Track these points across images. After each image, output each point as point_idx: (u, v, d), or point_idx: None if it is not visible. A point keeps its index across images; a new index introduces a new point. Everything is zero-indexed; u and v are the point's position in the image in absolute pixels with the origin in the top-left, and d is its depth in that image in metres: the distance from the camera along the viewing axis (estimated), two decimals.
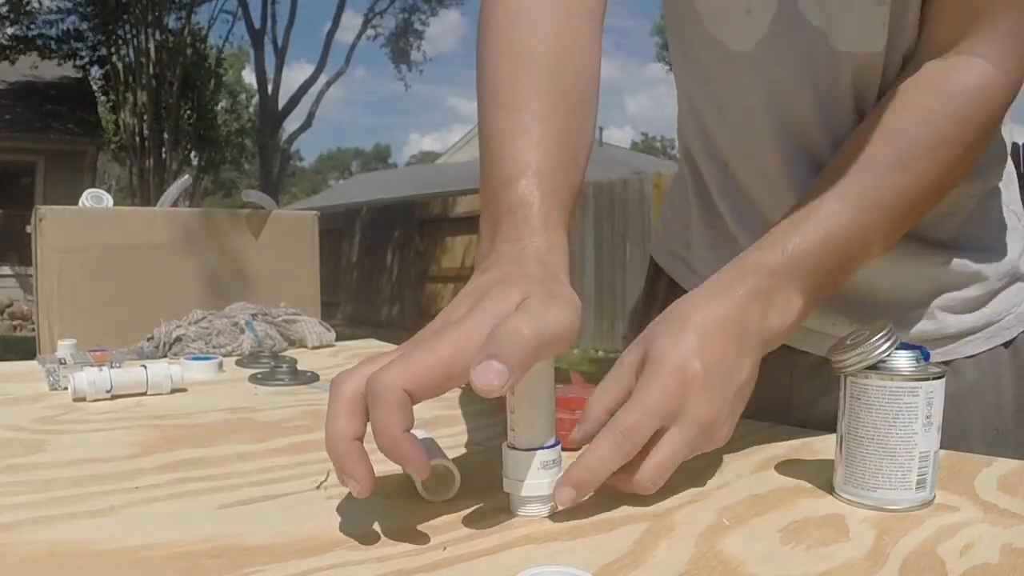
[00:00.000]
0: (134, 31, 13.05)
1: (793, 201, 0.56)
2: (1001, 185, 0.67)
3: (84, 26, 13.65)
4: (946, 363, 0.64)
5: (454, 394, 0.76)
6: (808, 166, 0.63)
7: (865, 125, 0.55)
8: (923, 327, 0.65)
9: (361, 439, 0.39)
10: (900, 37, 0.57)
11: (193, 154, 15.11)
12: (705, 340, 0.45)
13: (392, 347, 1.19)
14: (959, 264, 0.63)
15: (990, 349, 0.66)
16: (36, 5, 13.18)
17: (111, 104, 13.88)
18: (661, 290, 0.81)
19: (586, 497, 0.42)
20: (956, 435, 0.62)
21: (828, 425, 0.54)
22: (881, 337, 0.44)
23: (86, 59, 13.84)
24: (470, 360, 0.37)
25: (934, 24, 0.55)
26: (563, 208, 0.50)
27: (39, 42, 13.11)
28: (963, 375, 0.65)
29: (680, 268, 0.78)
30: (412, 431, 0.38)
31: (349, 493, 0.46)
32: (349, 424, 0.38)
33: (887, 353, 0.44)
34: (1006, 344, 0.66)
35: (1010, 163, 0.69)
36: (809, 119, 0.62)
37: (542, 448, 0.42)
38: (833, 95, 0.61)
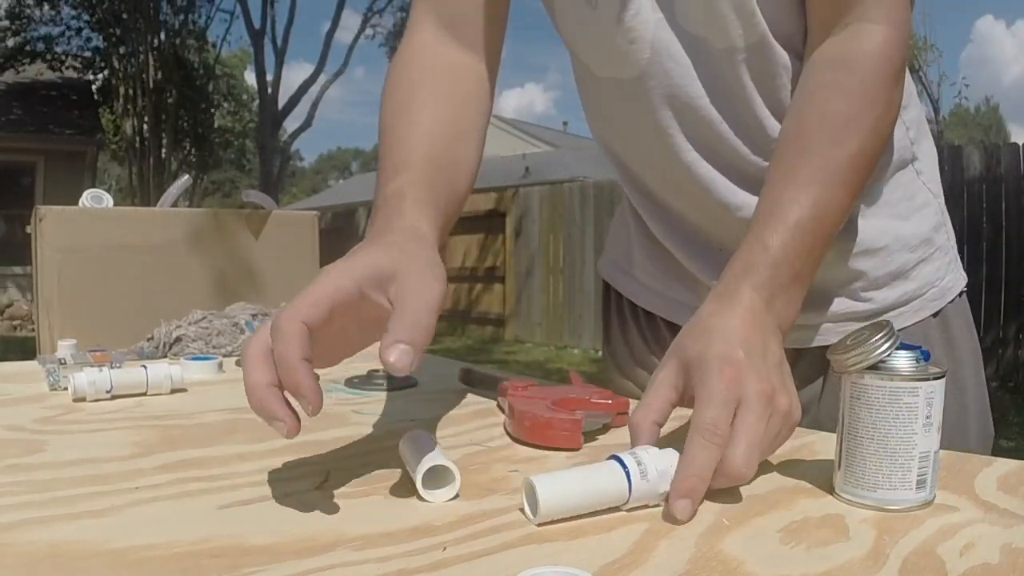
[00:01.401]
0: (134, 32, 13.05)
1: (718, 209, 0.66)
2: (920, 165, 0.71)
3: (85, 28, 13.66)
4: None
5: (454, 394, 0.76)
6: (724, 168, 0.66)
7: (792, 114, 0.59)
8: (850, 306, 0.69)
9: (277, 385, 0.42)
10: (777, 23, 0.61)
11: (193, 154, 15.10)
12: (733, 336, 0.49)
13: None
14: (872, 238, 0.67)
15: (919, 322, 0.69)
16: (36, 12, 13.20)
17: (111, 105, 13.88)
18: (613, 307, 0.83)
19: (699, 504, 0.43)
20: None
21: (828, 425, 0.54)
22: (881, 337, 0.44)
23: (86, 61, 13.85)
24: (348, 287, 0.44)
25: (816, 2, 0.59)
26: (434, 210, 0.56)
27: (42, 46, 13.12)
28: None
29: (622, 279, 0.82)
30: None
31: (349, 493, 0.46)
32: (262, 374, 0.42)
33: (887, 353, 0.44)
34: (934, 315, 0.69)
35: (931, 142, 0.72)
36: (712, 121, 0.65)
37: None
38: (732, 94, 0.64)
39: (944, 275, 0.71)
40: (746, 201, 0.66)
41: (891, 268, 0.68)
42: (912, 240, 0.69)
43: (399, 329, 0.42)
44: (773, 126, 0.64)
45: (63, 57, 13.33)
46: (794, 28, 0.62)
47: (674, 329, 0.74)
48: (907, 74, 0.64)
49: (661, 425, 0.49)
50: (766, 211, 0.55)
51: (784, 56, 0.62)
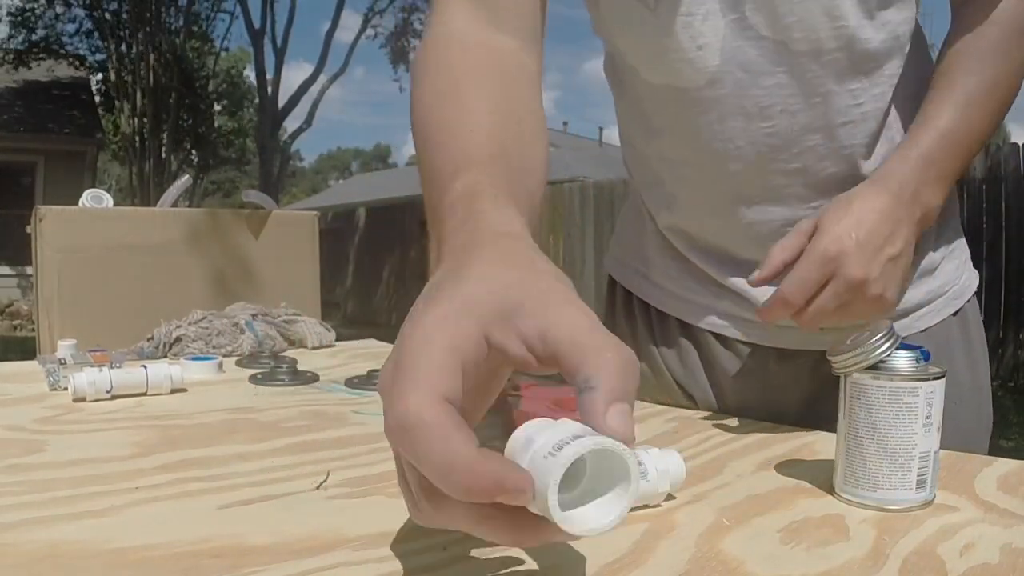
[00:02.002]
0: (135, 32, 13.05)
1: (765, 225, 0.66)
2: None
3: (86, 27, 13.66)
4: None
5: None
6: (785, 177, 0.64)
7: (950, 40, 0.63)
8: None
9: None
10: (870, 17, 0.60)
11: (193, 154, 15.11)
12: (862, 220, 0.56)
13: (392, 347, 1.19)
14: None
15: (941, 321, 0.68)
16: (40, 11, 13.20)
17: (111, 105, 13.88)
18: (620, 306, 0.81)
19: (790, 313, 0.56)
20: None
21: (828, 425, 0.54)
22: (881, 337, 0.44)
23: (87, 61, 13.86)
24: (473, 335, 0.30)
25: None
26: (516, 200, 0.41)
27: (45, 46, 13.12)
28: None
29: (639, 282, 0.78)
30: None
31: (349, 493, 0.46)
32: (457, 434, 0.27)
33: (887, 353, 0.44)
34: (954, 314, 0.69)
35: None
36: (783, 130, 0.62)
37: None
38: (811, 101, 0.61)
39: (962, 272, 0.70)
40: (796, 215, 0.62)
41: (921, 264, 0.67)
42: (938, 234, 0.68)
43: (608, 378, 0.28)
44: (849, 133, 0.62)
45: (64, 57, 13.33)
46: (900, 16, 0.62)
47: (687, 329, 0.73)
48: None
49: (789, 264, 0.57)
50: (921, 118, 0.60)
51: (881, 49, 0.61)
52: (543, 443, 0.27)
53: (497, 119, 0.48)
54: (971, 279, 0.71)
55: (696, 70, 0.62)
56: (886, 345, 0.44)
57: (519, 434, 0.29)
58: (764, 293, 0.65)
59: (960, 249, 0.71)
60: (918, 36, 0.65)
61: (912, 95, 0.63)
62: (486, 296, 0.30)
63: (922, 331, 0.68)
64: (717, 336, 0.72)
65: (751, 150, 0.63)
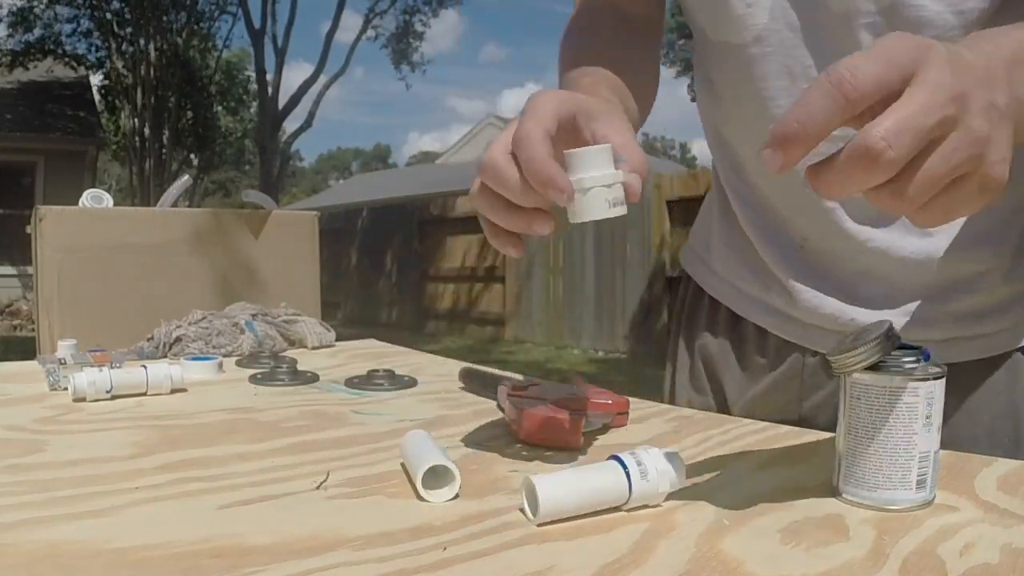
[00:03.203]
0: (135, 31, 13.04)
1: (810, 194, 0.57)
2: None
3: (87, 27, 13.66)
4: (960, 364, 0.63)
5: (454, 394, 0.76)
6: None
7: None
8: (941, 327, 0.64)
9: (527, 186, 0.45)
10: None
11: (193, 155, 15.10)
12: (986, 64, 0.39)
13: (392, 347, 1.19)
14: (990, 262, 0.62)
15: (1008, 352, 0.64)
16: (39, 11, 13.20)
17: (111, 104, 13.88)
18: (688, 299, 0.81)
19: (797, 161, 0.36)
20: (975, 436, 0.63)
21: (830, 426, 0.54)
22: (881, 337, 0.44)
23: (88, 60, 13.85)
24: (569, 109, 0.47)
25: None
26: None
27: (49, 46, 13.12)
28: (976, 375, 0.64)
29: (700, 268, 0.80)
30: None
31: (349, 493, 0.46)
32: (543, 147, 0.44)
33: (887, 353, 0.44)
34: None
35: None
36: None
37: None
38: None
39: None
40: None
41: (1000, 295, 0.63)
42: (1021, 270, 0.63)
43: (634, 158, 0.45)
44: None
45: (64, 57, 13.33)
46: None
47: (739, 324, 0.74)
48: None
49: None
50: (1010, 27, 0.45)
51: (930, 10, 0.55)
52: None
53: (615, 68, 0.65)
54: None
55: (745, 27, 0.63)
56: (886, 345, 0.44)
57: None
58: (808, 297, 0.65)
59: None
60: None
61: None
62: (582, 100, 0.48)
63: (984, 359, 0.63)
64: (761, 332, 0.72)
65: None
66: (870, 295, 0.65)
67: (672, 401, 0.81)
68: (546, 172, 0.43)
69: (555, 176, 0.43)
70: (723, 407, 0.75)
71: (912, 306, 0.64)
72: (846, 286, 0.66)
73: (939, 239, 0.62)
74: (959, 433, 0.62)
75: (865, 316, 0.64)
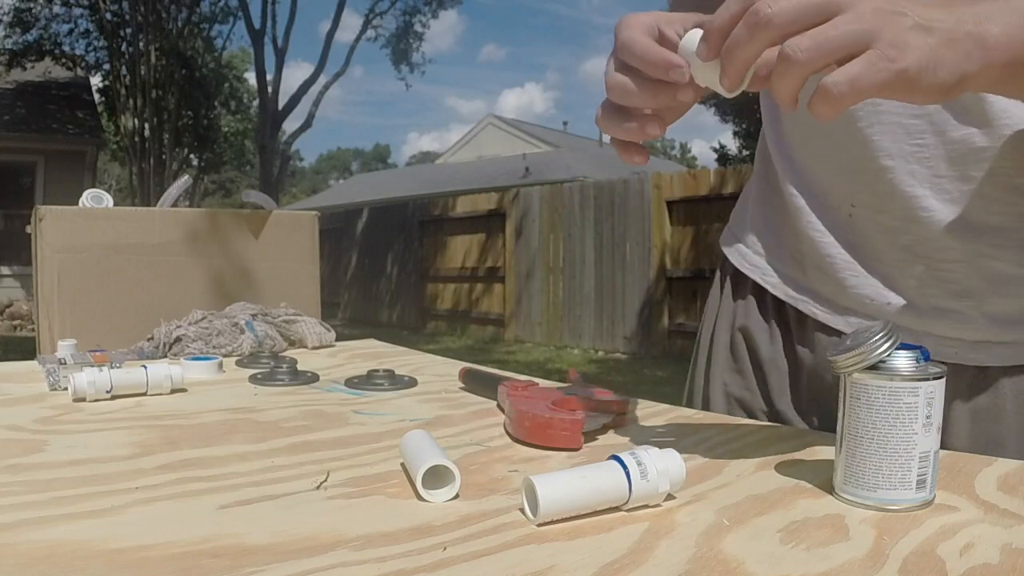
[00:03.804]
0: (136, 31, 13.04)
1: (866, 161, 0.62)
2: None
3: (87, 26, 13.66)
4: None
5: (454, 394, 0.76)
6: (890, 113, 0.61)
7: None
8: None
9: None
10: None
11: (193, 155, 15.10)
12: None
13: (392, 347, 1.19)
14: None
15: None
16: (39, 10, 13.19)
17: (111, 104, 13.88)
18: (727, 282, 0.81)
19: (740, 82, 0.45)
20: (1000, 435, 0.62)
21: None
22: (881, 337, 0.44)
23: (87, 60, 13.85)
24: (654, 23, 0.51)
25: None
26: None
27: (52, 47, 13.12)
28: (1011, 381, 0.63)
29: (735, 247, 0.79)
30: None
31: (349, 493, 0.46)
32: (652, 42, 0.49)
33: (887, 353, 0.44)
34: None
35: None
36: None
37: None
38: None
39: None
40: (901, 150, 0.61)
41: None
42: None
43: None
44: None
45: (65, 56, 13.33)
46: None
47: (781, 309, 0.73)
48: None
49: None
50: None
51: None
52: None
53: None
54: None
55: None
56: (886, 345, 0.44)
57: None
58: (847, 276, 0.65)
59: None
60: None
61: None
62: (658, 13, 0.51)
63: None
64: (800, 316, 0.71)
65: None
66: (907, 284, 0.64)
67: (698, 385, 0.81)
68: (660, 56, 0.47)
69: (668, 56, 0.47)
70: (764, 391, 0.75)
71: (946, 301, 0.63)
72: (887, 267, 0.65)
73: (985, 226, 0.60)
74: (987, 433, 0.62)
75: (898, 301, 0.64)
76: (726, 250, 0.81)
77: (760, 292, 0.76)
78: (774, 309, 0.74)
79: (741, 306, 0.78)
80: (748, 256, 0.77)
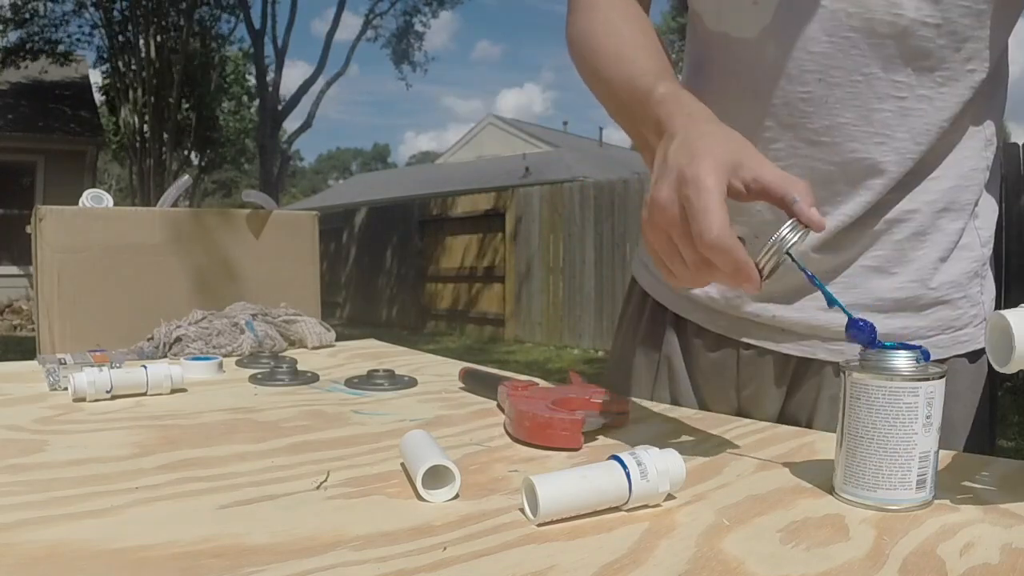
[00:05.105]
0: (134, 31, 13.04)
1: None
2: (979, 209, 0.72)
3: (87, 25, 13.65)
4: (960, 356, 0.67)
5: (454, 394, 0.76)
6: (803, 156, 0.64)
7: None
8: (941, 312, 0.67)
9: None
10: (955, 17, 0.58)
11: (193, 154, 15.10)
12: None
13: (392, 347, 1.19)
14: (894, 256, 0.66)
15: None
16: (40, 7, 13.18)
17: (112, 104, 13.87)
18: (635, 304, 0.82)
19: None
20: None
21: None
22: (786, 228, 0.46)
23: (88, 60, 13.85)
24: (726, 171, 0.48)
25: None
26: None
27: (45, 46, 13.10)
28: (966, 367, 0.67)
29: (643, 272, 0.80)
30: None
31: (349, 493, 0.46)
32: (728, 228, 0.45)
33: (795, 238, 0.45)
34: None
35: (991, 199, 0.72)
36: (812, 101, 0.62)
37: None
38: (847, 80, 0.61)
39: (963, 326, 0.68)
40: (818, 194, 0.63)
41: (901, 295, 0.66)
42: (936, 277, 0.67)
43: (804, 195, 0.46)
44: (885, 123, 0.61)
45: (64, 56, 13.32)
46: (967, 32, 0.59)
47: (682, 327, 0.74)
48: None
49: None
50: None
51: (938, 54, 0.60)
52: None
53: (650, 45, 0.65)
54: (973, 338, 0.69)
55: (749, 22, 0.64)
56: (791, 234, 0.45)
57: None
58: (732, 295, 0.66)
59: (970, 302, 0.70)
60: (999, 67, 0.64)
61: (972, 119, 0.63)
62: (728, 156, 0.48)
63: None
64: (699, 330, 0.73)
65: (784, 111, 0.63)
66: (787, 291, 0.67)
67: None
68: (741, 262, 0.45)
69: (751, 270, 0.46)
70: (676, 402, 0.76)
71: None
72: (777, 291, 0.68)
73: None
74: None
75: (784, 312, 0.67)
76: (636, 274, 0.83)
77: (664, 311, 0.78)
78: (681, 326, 0.76)
79: (650, 327, 0.79)
80: (651, 278, 0.79)
